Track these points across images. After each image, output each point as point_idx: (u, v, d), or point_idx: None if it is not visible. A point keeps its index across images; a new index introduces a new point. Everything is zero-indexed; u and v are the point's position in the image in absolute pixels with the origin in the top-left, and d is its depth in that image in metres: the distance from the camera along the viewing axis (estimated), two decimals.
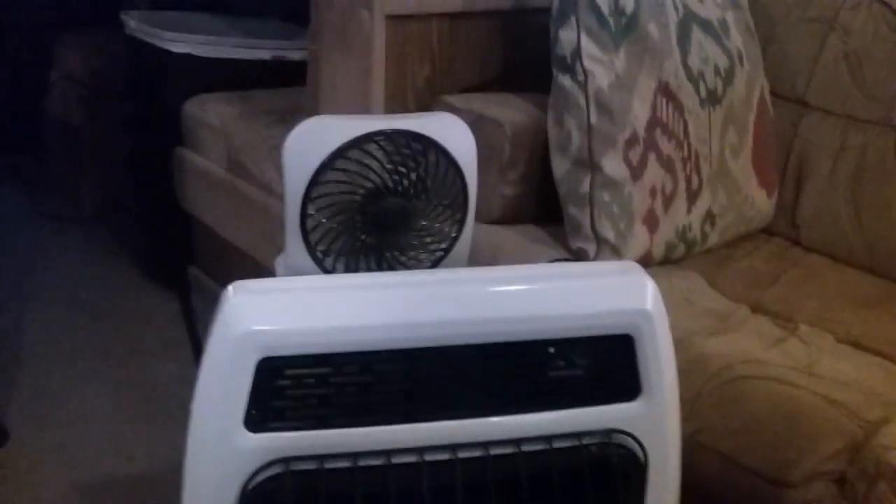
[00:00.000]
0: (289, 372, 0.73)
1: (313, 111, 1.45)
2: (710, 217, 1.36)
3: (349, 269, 0.83)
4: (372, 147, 0.78)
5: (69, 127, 2.57)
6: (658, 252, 1.29)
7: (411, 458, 0.75)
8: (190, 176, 2.00)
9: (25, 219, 2.61)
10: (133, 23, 2.08)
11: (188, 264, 2.14)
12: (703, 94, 1.35)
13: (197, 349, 0.65)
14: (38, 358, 1.87)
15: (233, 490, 0.73)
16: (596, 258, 1.25)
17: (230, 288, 0.75)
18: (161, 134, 2.08)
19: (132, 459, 1.54)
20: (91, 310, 2.10)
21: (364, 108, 1.37)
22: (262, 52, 2.10)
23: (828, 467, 0.92)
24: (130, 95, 2.22)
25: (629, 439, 0.79)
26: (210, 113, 1.94)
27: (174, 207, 2.08)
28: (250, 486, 0.73)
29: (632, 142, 1.25)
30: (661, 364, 0.80)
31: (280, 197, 0.83)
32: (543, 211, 1.38)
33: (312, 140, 0.79)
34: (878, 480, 0.87)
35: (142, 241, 2.27)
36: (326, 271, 0.82)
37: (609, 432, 0.79)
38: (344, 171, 0.78)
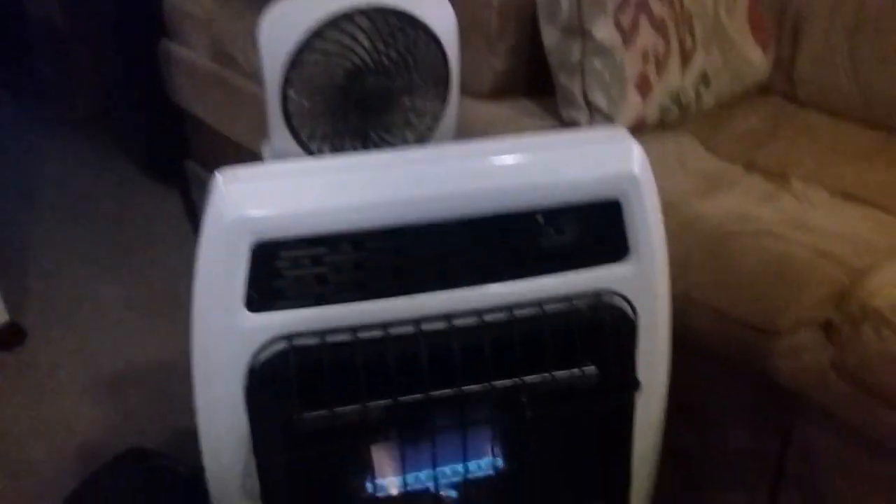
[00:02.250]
0: (284, 253, 0.75)
1: None
2: (704, 78, 1.34)
3: (335, 151, 0.83)
4: (349, 26, 0.77)
5: (53, 28, 2.51)
6: (652, 117, 1.28)
7: (409, 329, 0.78)
8: (177, 69, 1.97)
9: (19, 125, 2.60)
10: None
11: (185, 158, 2.14)
12: None
13: None
14: (49, 260, 1.91)
15: (240, 368, 0.77)
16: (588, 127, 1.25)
17: (218, 176, 0.76)
18: (145, 28, 2.03)
19: (147, 350, 1.60)
20: (95, 210, 2.12)
21: None
22: None
23: (815, 314, 0.95)
24: None
25: (619, 299, 0.82)
26: (192, 2, 1.89)
27: (166, 103, 2.06)
28: (256, 363, 0.76)
29: (622, 5, 1.22)
30: (648, 225, 0.81)
31: None
32: (536, 83, 1.36)
33: (287, 21, 0.77)
34: (863, 323, 0.90)
35: (137, 138, 2.27)
36: (312, 154, 0.83)
37: (599, 293, 0.81)
38: (322, 51, 0.77)
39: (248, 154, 1.76)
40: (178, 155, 2.13)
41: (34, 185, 2.24)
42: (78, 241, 1.98)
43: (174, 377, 1.49)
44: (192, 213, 2.05)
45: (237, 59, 1.75)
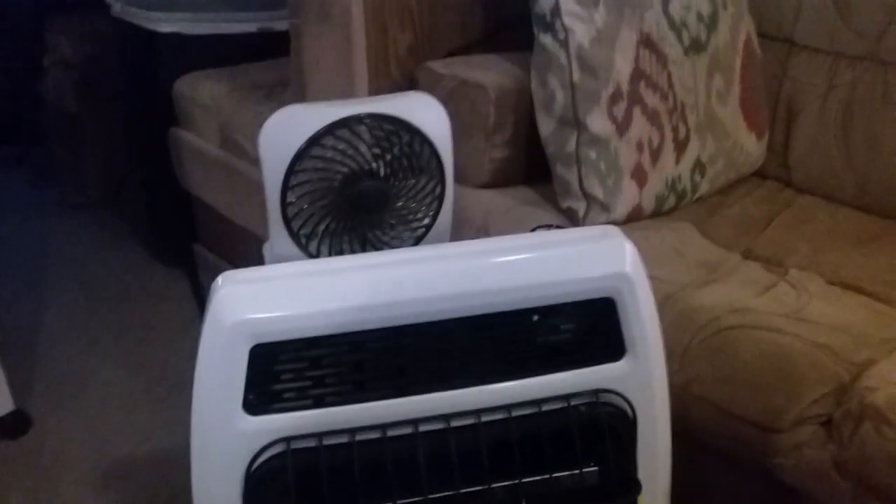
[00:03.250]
0: (282, 356, 0.76)
1: (298, 86, 1.45)
2: (699, 166, 1.36)
3: (333, 252, 0.85)
4: (346, 133, 0.80)
5: (66, 113, 2.58)
6: (648, 205, 1.30)
7: (406, 430, 0.78)
8: (186, 155, 2.02)
9: (31, 207, 2.64)
10: (117, 5, 2.07)
11: (193, 243, 2.17)
12: (687, 42, 1.34)
13: None
14: (56, 344, 1.92)
15: (238, 471, 0.77)
16: (586, 216, 1.26)
17: (219, 279, 0.77)
18: (156, 115, 2.09)
19: (152, 439, 1.59)
20: (103, 294, 2.14)
21: (348, 81, 1.37)
22: (247, 24, 2.09)
23: (815, 411, 0.94)
24: (122, 79, 2.23)
25: (616, 397, 0.82)
26: (201, 91, 1.95)
27: (175, 188, 2.10)
28: (254, 466, 0.76)
29: (616, 97, 1.25)
30: (643, 323, 0.82)
31: None
32: (533, 172, 1.39)
33: (286, 130, 0.80)
34: (863, 421, 0.89)
35: (147, 223, 2.30)
36: (311, 256, 0.84)
37: (596, 392, 0.81)
38: (320, 157, 0.80)
39: (253, 238, 1.79)
40: (187, 239, 2.16)
41: (43, 268, 2.27)
42: (86, 325, 1.99)
43: (179, 467, 1.47)
44: (200, 297, 2.07)
45: (244, 146, 1.79)
